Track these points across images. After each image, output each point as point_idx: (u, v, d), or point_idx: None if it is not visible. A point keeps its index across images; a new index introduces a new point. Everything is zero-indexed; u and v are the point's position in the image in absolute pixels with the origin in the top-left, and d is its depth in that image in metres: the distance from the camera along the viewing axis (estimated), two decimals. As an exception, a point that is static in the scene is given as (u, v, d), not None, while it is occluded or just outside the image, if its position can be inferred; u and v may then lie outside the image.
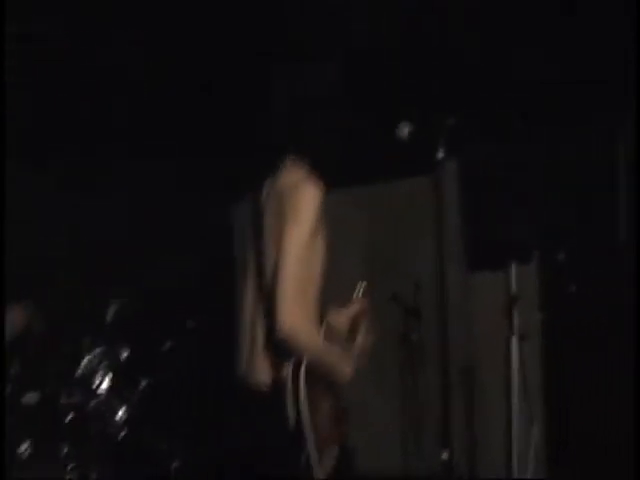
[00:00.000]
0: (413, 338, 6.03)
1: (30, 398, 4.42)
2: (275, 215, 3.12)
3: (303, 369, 3.00)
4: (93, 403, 4.46)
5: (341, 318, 3.34)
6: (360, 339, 3.34)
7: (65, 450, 4.43)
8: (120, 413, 4.55)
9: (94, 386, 4.51)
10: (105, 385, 4.53)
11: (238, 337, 3.31)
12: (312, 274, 3.10)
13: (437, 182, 6.29)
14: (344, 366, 3.13)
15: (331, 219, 6.50)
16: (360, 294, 3.46)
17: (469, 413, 5.98)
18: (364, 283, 3.51)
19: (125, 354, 4.65)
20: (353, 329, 3.37)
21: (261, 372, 3.13)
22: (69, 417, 4.45)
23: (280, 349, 3.02)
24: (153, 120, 5.89)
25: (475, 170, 5.91)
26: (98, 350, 4.57)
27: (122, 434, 4.55)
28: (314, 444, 3.00)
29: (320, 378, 3.09)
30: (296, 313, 2.95)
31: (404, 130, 4.31)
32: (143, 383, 4.69)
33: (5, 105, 4.31)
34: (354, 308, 3.38)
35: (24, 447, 4.37)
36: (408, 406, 6.25)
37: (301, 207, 3.03)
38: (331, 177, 3.23)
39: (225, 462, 3.51)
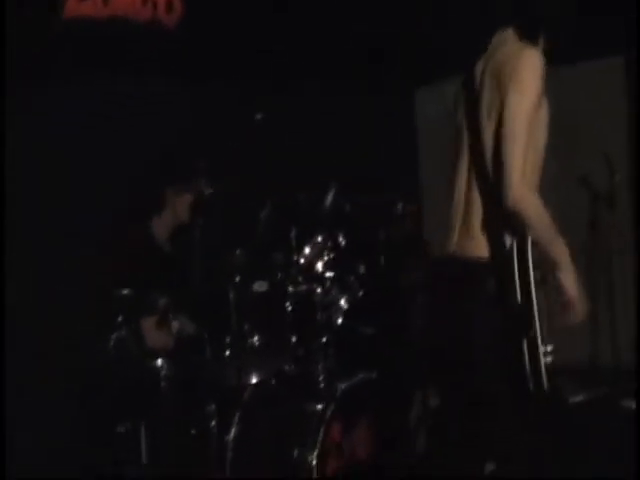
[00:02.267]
0: (609, 223, 5.78)
1: (260, 286, 4.33)
2: (494, 87, 3.00)
3: (529, 242, 2.89)
4: (318, 292, 4.34)
5: None
6: None
7: (293, 339, 4.37)
8: (342, 302, 4.43)
9: (317, 274, 4.38)
10: (328, 273, 4.40)
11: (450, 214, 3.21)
12: (536, 146, 3.01)
13: (631, 60, 6.05)
14: (564, 251, 2.98)
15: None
16: None
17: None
18: None
19: (343, 241, 4.51)
20: None
21: (478, 246, 3.05)
22: (295, 305, 4.35)
23: (504, 222, 2.92)
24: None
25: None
26: (319, 237, 4.43)
27: (342, 322, 4.45)
28: (539, 325, 2.88)
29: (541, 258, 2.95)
30: (526, 184, 2.88)
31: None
32: (362, 270, 4.55)
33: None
34: None
35: (256, 338, 4.32)
36: (598, 299, 6.05)
37: (523, 76, 2.92)
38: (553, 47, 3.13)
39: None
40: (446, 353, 3.28)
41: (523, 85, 2.91)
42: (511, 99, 2.91)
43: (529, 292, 2.90)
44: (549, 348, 2.97)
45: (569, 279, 3.00)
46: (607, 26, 5.63)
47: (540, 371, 2.93)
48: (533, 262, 2.93)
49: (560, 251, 2.97)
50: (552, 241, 2.95)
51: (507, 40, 3.09)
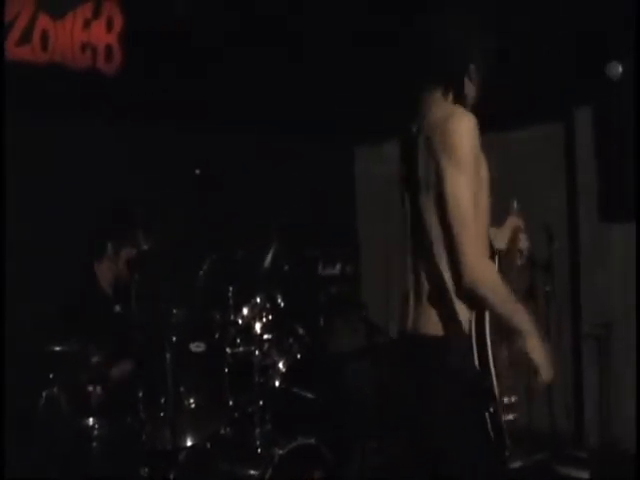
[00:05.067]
0: (546, 290, 5.78)
1: (197, 346, 4.24)
2: (429, 155, 2.84)
3: (487, 317, 2.81)
4: (256, 354, 4.26)
5: (501, 234, 3.19)
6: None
7: (230, 402, 4.28)
8: (280, 364, 4.37)
9: (255, 336, 4.31)
10: (266, 335, 4.33)
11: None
12: (481, 213, 2.85)
13: (570, 129, 6.13)
14: (525, 319, 2.83)
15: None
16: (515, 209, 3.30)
17: (604, 373, 5.81)
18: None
19: (282, 302, 4.45)
20: (512, 243, 3.21)
21: (432, 323, 2.92)
22: (232, 367, 4.28)
23: (459, 299, 2.84)
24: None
25: (608, 118, 5.69)
26: (258, 298, 4.36)
27: (281, 385, 4.38)
28: (499, 395, 2.81)
29: (498, 329, 2.86)
30: (481, 260, 2.76)
31: (616, 69, 4.08)
32: (301, 332, 4.50)
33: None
34: (511, 223, 3.24)
35: (192, 400, 4.23)
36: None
37: (456, 145, 2.75)
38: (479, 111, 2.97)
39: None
40: (398, 421, 3.20)
41: (457, 155, 2.75)
42: (448, 174, 2.76)
43: (488, 367, 2.80)
44: (512, 399, 2.89)
45: (534, 345, 2.93)
46: (547, 93, 5.72)
47: (504, 436, 2.86)
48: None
49: (521, 319, 2.82)
50: (512, 312, 2.81)
51: (437, 99, 2.96)
